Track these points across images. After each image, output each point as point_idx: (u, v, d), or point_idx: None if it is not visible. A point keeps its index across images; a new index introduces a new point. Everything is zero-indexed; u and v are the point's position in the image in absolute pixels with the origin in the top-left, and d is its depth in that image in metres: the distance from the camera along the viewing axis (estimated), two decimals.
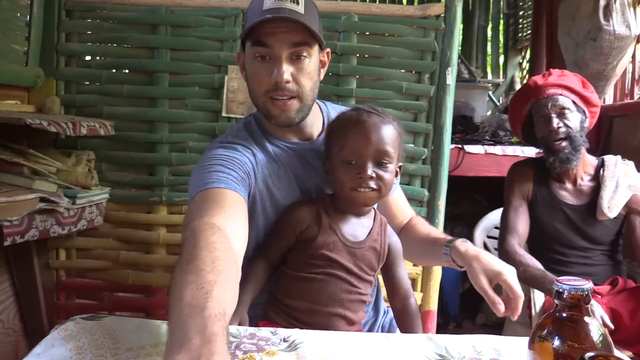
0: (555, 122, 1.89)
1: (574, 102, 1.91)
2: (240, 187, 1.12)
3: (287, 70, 1.15)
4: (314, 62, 1.20)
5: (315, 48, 1.20)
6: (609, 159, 2.00)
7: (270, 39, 1.13)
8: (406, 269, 1.29)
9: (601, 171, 1.96)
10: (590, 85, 1.98)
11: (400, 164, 1.21)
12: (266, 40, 1.14)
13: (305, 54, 1.17)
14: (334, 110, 1.40)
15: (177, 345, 0.71)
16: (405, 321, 1.24)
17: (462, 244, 1.19)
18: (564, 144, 1.89)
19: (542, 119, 1.93)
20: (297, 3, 1.15)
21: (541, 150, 2.03)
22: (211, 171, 1.11)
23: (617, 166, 1.96)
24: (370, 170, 1.12)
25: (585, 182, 1.98)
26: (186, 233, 0.94)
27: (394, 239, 1.25)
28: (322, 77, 1.26)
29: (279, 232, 1.19)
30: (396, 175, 1.20)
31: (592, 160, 2.01)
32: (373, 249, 1.20)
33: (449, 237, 1.27)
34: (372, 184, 1.13)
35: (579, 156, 1.91)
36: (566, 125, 1.89)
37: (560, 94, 1.91)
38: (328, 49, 1.29)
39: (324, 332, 0.95)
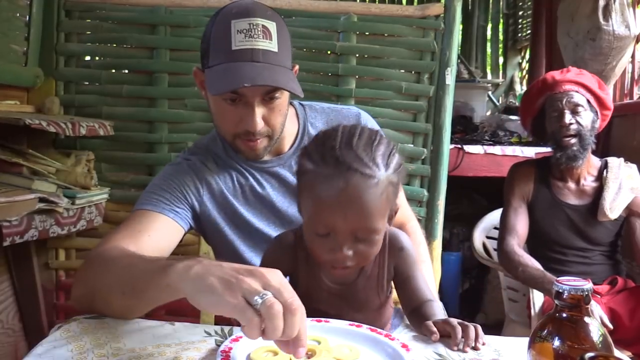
0: (568, 117, 1.90)
1: (588, 101, 1.92)
2: (172, 207, 1.13)
3: (259, 115, 1.07)
4: (286, 95, 1.11)
5: None
6: (613, 160, 2.00)
7: (243, 89, 1.04)
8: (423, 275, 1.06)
9: (604, 172, 1.96)
10: (606, 88, 1.99)
11: (396, 208, 0.96)
12: (238, 90, 1.05)
13: (278, 94, 1.08)
14: (316, 114, 1.28)
15: (164, 266, 0.79)
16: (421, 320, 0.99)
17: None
18: (573, 140, 1.90)
19: (555, 114, 1.93)
20: (270, 38, 1.05)
21: (545, 149, 2.04)
22: (148, 192, 1.15)
23: (620, 168, 1.97)
24: (347, 248, 0.88)
25: (589, 183, 1.98)
26: (97, 253, 1.01)
27: (402, 255, 1.01)
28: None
29: None
30: (389, 221, 0.95)
31: (595, 162, 2.02)
32: (368, 287, 0.98)
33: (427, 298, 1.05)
34: (350, 263, 0.90)
35: (586, 155, 1.92)
36: (578, 123, 1.90)
37: (576, 91, 1.91)
38: (297, 66, 1.18)
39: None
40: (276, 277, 0.72)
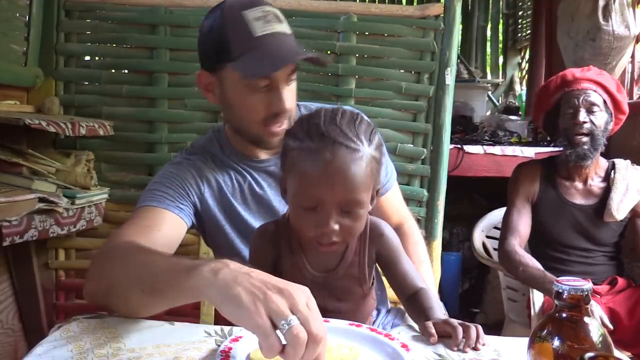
0: (582, 115, 1.89)
1: (604, 102, 1.91)
2: (176, 203, 1.13)
3: (286, 95, 1.11)
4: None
5: None
6: (620, 162, 2.00)
7: (276, 72, 1.09)
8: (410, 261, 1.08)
9: (612, 173, 1.96)
10: (624, 92, 1.98)
11: (378, 187, 0.97)
12: (271, 74, 1.08)
13: (294, 76, 1.14)
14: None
15: (188, 267, 0.77)
16: (419, 313, 1.01)
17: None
18: (584, 139, 1.89)
19: (570, 110, 1.92)
20: (281, 21, 1.12)
21: (544, 148, 2.03)
22: (151, 189, 1.15)
23: (628, 170, 1.97)
24: (334, 222, 0.90)
25: (596, 183, 1.98)
26: (111, 247, 1.00)
27: (383, 240, 1.03)
28: None
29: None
30: (372, 202, 0.96)
31: (603, 163, 2.01)
32: (349, 276, 1.00)
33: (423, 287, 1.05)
34: (336, 238, 0.91)
35: (595, 155, 1.92)
36: (591, 122, 1.89)
37: (594, 90, 1.91)
38: None
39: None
40: (304, 299, 0.70)
